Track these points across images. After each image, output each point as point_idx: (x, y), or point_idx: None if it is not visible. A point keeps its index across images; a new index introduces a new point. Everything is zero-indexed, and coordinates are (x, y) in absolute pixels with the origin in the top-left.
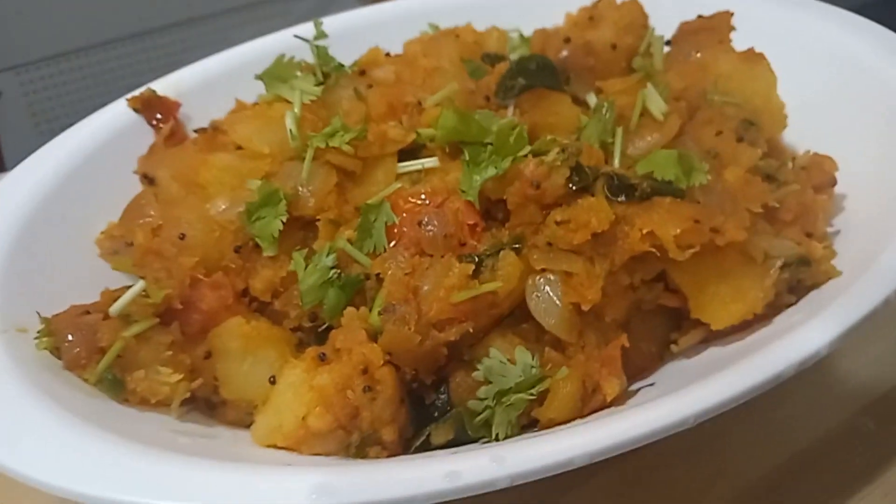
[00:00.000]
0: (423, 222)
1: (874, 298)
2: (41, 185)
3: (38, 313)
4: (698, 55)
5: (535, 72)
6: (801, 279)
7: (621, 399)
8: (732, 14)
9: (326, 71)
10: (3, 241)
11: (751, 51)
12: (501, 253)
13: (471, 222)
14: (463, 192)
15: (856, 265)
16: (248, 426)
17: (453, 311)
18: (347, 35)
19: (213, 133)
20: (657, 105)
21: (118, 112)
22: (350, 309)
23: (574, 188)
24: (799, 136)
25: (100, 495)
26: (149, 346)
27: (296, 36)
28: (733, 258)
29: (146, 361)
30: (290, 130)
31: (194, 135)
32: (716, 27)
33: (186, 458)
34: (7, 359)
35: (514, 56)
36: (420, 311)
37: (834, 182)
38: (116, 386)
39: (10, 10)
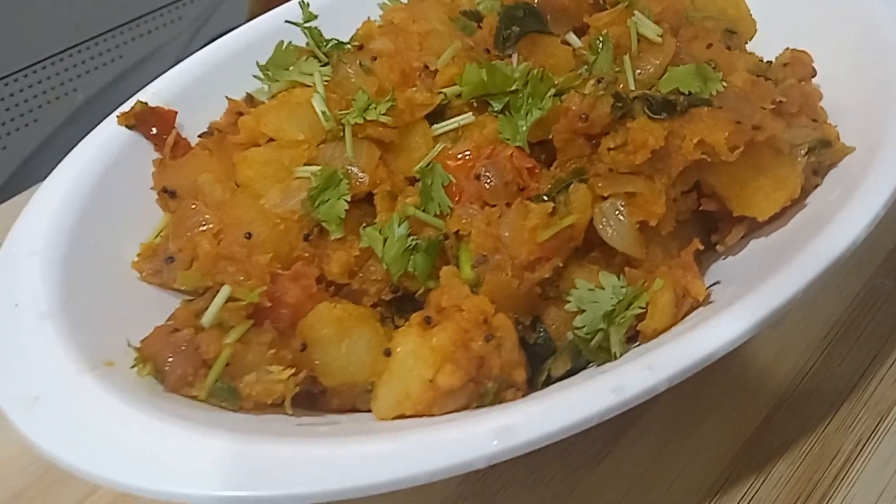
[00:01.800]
0: (481, 175)
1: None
2: (63, 220)
3: (129, 342)
4: None
5: (524, 19)
6: (821, 160)
7: (707, 300)
8: None
9: (325, 51)
10: (48, 282)
11: None
12: (571, 186)
13: (528, 165)
14: (507, 140)
15: (860, 140)
16: (352, 410)
17: (540, 249)
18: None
19: (219, 135)
20: (651, 29)
21: (111, 132)
22: (447, 268)
23: (619, 115)
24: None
25: (296, 493)
26: (252, 349)
27: (287, 21)
28: (766, 153)
29: (254, 364)
30: (323, 112)
31: (198, 140)
32: None
33: (348, 439)
34: (116, 392)
35: (483, 8)
36: (511, 256)
37: (814, 73)
38: (232, 394)
39: None
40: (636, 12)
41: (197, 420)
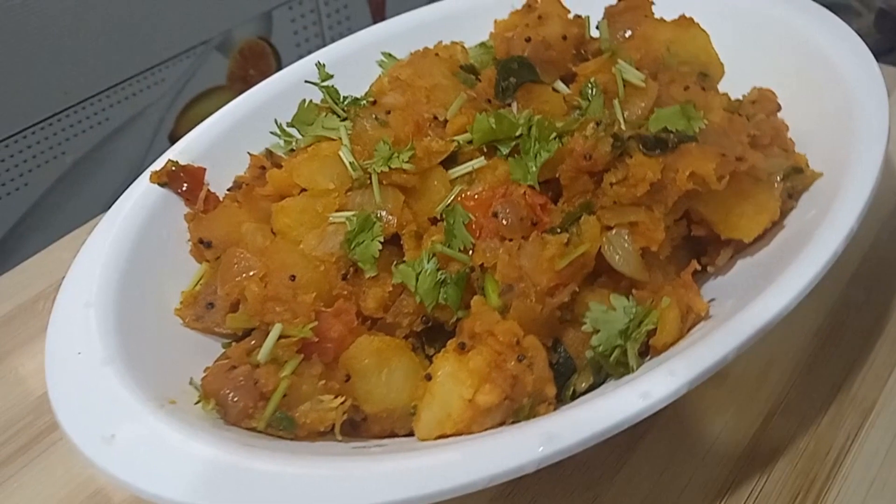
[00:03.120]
0: (498, 212)
1: (866, 188)
2: (109, 271)
3: (191, 380)
4: (629, 32)
5: (518, 70)
6: (795, 185)
7: (707, 315)
8: None
9: (343, 107)
10: (105, 334)
11: (682, 17)
12: (581, 219)
13: (541, 202)
14: (518, 180)
15: (827, 164)
16: (391, 435)
17: (558, 277)
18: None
19: (247, 189)
20: (634, 75)
21: (143, 190)
22: (477, 297)
23: (617, 154)
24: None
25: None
26: (305, 381)
27: (307, 81)
28: (747, 181)
29: (308, 395)
30: (351, 163)
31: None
32: (639, 5)
33: (403, 455)
34: (185, 428)
35: (477, 63)
36: (533, 284)
37: (779, 107)
38: (290, 423)
39: None
40: (619, 60)
41: (260, 446)
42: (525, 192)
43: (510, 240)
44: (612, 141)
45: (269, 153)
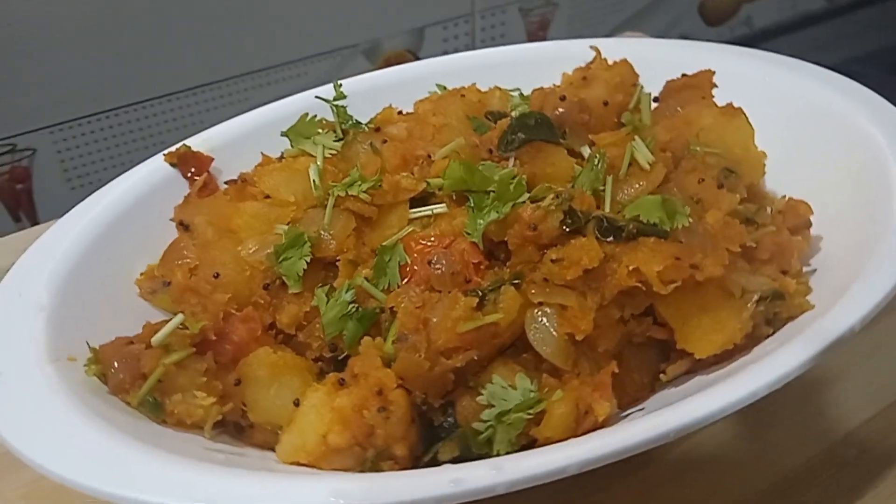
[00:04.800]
0: (433, 261)
1: (840, 327)
2: (88, 231)
3: (88, 343)
4: (682, 110)
5: (533, 127)
6: (777, 312)
7: (612, 421)
8: (714, 73)
9: (345, 128)
10: (55, 281)
11: (729, 105)
12: (502, 288)
13: (475, 261)
14: (468, 234)
15: (829, 299)
16: (273, 447)
17: (459, 340)
18: (365, 95)
19: (241, 185)
20: (644, 155)
21: (155, 166)
22: (367, 338)
23: (567, 230)
24: (780, 183)
25: (144, 499)
26: (186, 373)
27: (317, 97)
28: (713, 293)
29: (183, 386)
30: (314, 181)
31: (225, 186)
32: (699, 84)
33: (221, 468)
34: (61, 384)
35: (514, 113)
36: (429, 340)
37: (808, 224)
38: (157, 408)
39: (43, 73)
40: (636, 138)
41: (114, 422)
42: (464, 248)
43: (440, 291)
44: (562, 216)
45: (282, 158)
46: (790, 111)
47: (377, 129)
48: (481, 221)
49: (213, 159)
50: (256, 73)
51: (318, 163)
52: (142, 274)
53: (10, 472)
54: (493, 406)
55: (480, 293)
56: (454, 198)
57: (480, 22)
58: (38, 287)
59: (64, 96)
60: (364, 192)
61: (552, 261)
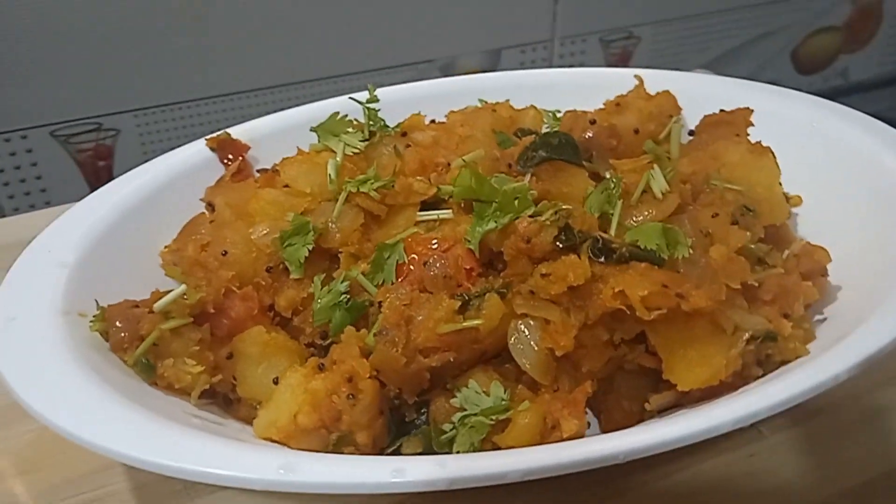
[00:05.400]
0: (429, 263)
1: (820, 376)
2: (125, 201)
3: (97, 301)
4: (712, 145)
5: (556, 146)
6: (769, 354)
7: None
8: (751, 111)
9: (373, 130)
10: (83, 244)
11: (758, 144)
12: (487, 295)
13: (467, 267)
14: (467, 241)
15: (827, 345)
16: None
17: (438, 340)
18: (408, 103)
19: (272, 174)
20: (659, 184)
21: (197, 149)
22: (350, 328)
23: (561, 246)
24: (812, 228)
25: (112, 448)
26: (180, 340)
27: (350, 97)
28: (704, 326)
29: (176, 352)
30: (330, 175)
31: (257, 175)
32: (734, 121)
33: (189, 430)
34: (66, 335)
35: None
36: (409, 337)
37: (823, 271)
38: (149, 369)
39: (134, 61)
40: (655, 167)
41: (105, 375)
42: (460, 254)
43: (431, 292)
44: (556, 232)
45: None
46: (831, 157)
47: (404, 134)
48: (480, 230)
49: (249, 147)
50: (333, 78)
51: (338, 158)
52: (166, 247)
53: None
54: (464, 410)
55: (466, 298)
56: (463, 206)
57: (559, 49)
58: (66, 246)
59: (151, 84)
60: (375, 190)
61: (542, 275)
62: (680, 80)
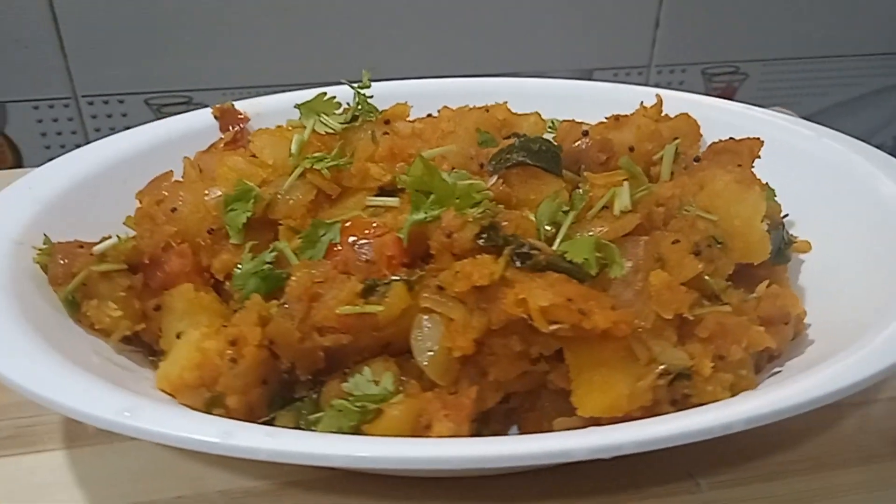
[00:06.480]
0: (357, 246)
1: (720, 420)
2: (116, 153)
3: (45, 234)
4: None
5: (536, 152)
6: (687, 395)
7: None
8: (762, 142)
9: (357, 114)
10: (62, 185)
11: (749, 175)
12: (394, 283)
13: (390, 254)
14: (400, 229)
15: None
16: None
17: (336, 321)
18: (431, 97)
19: (245, 143)
20: (621, 202)
21: (200, 116)
22: (256, 295)
23: (482, 244)
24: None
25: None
26: (108, 284)
27: (343, 81)
28: (615, 350)
29: (102, 294)
30: (291, 150)
31: None
32: (739, 150)
33: (73, 367)
34: (8, 260)
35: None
36: (308, 314)
37: (786, 319)
38: (74, 306)
39: (229, 44)
40: (625, 184)
41: (29, 305)
42: (386, 241)
43: (353, 275)
44: (478, 230)
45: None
46: (860, 206)
47: (386, 122)
48: (410, 219)
49: (248, 119)
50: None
51: (305, 135)
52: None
53: None
54: (351, 395)
55: (374, 284)
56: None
57: (656, 76)
58: (47, 186)
59: (240, 66)
60: (329, 169)
61: (456, 272)
62: (713, 107)
